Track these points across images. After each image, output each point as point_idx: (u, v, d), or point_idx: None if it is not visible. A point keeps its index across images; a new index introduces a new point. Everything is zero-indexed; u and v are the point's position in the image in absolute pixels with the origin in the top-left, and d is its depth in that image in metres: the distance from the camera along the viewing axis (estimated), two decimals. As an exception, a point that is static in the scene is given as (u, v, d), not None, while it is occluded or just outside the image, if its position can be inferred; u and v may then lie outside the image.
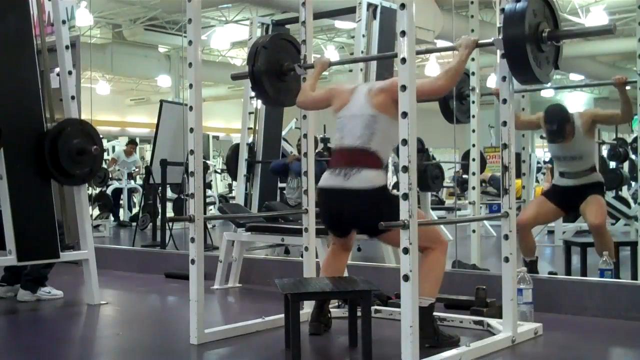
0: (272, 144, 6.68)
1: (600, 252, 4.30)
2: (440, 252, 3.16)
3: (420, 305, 3.03)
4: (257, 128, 6.62)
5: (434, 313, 3.15)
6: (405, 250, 2.52)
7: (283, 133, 7.38)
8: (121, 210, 11.28)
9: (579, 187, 4.42)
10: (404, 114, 2.55)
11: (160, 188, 7.26)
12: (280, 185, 7.08)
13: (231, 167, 6.90)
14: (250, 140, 6.53)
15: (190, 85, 3.17)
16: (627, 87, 4.52)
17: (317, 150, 5.54)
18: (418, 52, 3.05)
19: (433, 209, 8.58)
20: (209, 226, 7.46)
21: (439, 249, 3.17)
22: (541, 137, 7.60)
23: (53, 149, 4.03)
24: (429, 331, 3.06)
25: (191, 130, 3.17)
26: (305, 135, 3.66)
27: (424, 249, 3.15)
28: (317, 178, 4.36)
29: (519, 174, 4.88)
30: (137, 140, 14.34)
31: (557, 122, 4.35)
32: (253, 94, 5.59)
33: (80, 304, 4.33)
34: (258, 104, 6.46)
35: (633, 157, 8.97)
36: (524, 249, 4.48)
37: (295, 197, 6.06)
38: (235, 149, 6.76)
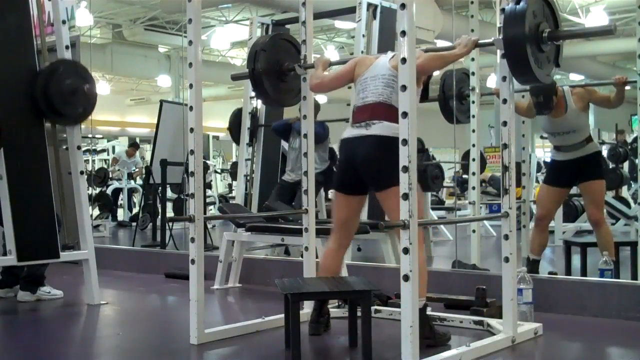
0: (272, 144, 6.67)
1: (601, 247, 4.33)
2: (420, 248, 3.08)
3: None
4: (258, 114, 6.57)
5: (433, 313, 3.16)
6: (405, 250, 2.52)
7: (283, 133, 7.36)
8: (120, 210, 11.28)
9: (577, 160, 4.45)
10: (404, 114, 2.55)
11: (160, 188, 7.26)
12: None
13: (234, 132, 6.83)
14: (253, 105, 6.47)
15: (190, 85, 3.17)
16: (627, 87, 4.52)
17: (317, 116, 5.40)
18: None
19: (433, 209, 8.59)
20: (209, 226, 7.46)
21: (419, 243, 3.11)
22: (541, 137, 7.60)
23: (45, 90, 4.00)
24: (426, 330, 3.08)
25: (191, 130, 3.17)
26: (305, 135, 3.66)
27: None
28: (318, 137, 4.45)
29: (519, 183, 4.88)
30: (138, 139, 14.31)
31: (543, 94, 4.34)
32: (253, 94, 5.60)
33: (80, 304, 4.33)
34: (258, 103, 6.45)
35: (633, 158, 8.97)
36: (536, 245, 4.52)
37: (296, 168, 5.89)
38: (238, 114, 6.68)
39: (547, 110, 4.39)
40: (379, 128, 3.12)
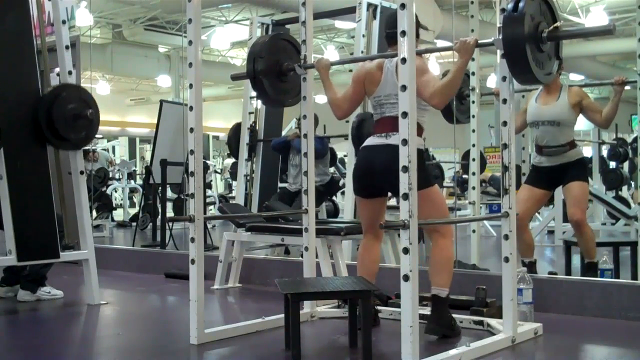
0: (270, 159, 6.68)
1: (581, 248, 4.31)
2: (449, 240, 3.30)
3: (439, 295, 3.14)
4: (257, 128, 6.61)
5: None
6: (405, 250, 2.52)
7: (283, 133, 7.38)
8: (119, 210, 11.29)
9: (561, 167, 4.35)
10: (404, 114, 2.56)
11: (160, 188, 7.26)
12: (280, 185, 7.07)
13: (232, 146, 6.84)
14: (251, 121, 6.49)
15: (190, 85, 3.17)
16: (627, 87, 4.50)
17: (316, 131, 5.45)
18: (418, 52, 3.07)
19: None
20: (209, 226, 7.46)
21: (449, 236, 3.30)
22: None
23: (48, 115, 4.00)
24: (447, 321, 3.20)
25: (191, 130, 3.17)
26: (305, 135, 3.66)
27: (433, 231, 3.22)
28: (317, 153, 4.53)
29: (519, 184, 4.82)
30: (138, 139, 14.28)
31: None
32: (253, 94, 5.60)
33: (80, 304, 4.33)
34: (258, 104, 6.46)
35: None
36: (523, 248, 4.40)
37: (297, 182, 5.94)
38: (236, 128, 6.69)
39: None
40: (398, 139, 3.14)
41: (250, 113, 6.51)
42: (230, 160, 14.75)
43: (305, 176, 3.66)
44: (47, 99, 4.04)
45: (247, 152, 6.46)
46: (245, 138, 6.47)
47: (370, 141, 3.37)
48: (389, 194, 3.47)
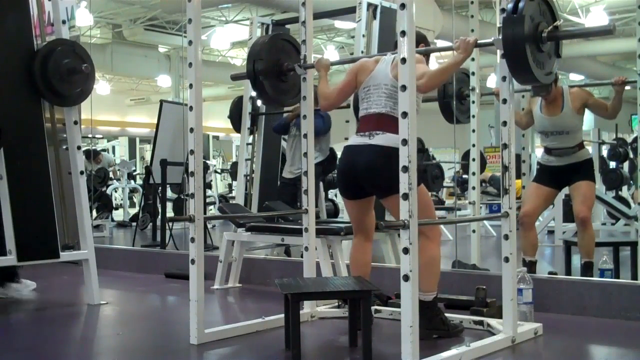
0: (272, 144, 6.68)
1: (582, 247, 4.32)
2: (436, 244, 3.27)
3: (424, 300, 3.11)
4: (257, 128, 6.61)
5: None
6: (405, 250, 2.52)
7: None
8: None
9: (569, 166, 4.41)
10: (404, 114, 2.55)
11: (160, 188, 7.26)
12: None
13: (234, 120, 6.80)
14: (252, 93, 6.46)
15: (190, 85, 3.17)
16: (627, 87, 4.51)
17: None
18: (418, 52, 3.07)
19: (433, 209, 8.56)
20: (209, 226, 7.45)
21: (435, 240, 3.27)
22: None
23: (43, 69, 3.97)
24: (437, 322, 3.20)
25: (191, 130, 3.17)
26: (305, 135, 3.66)
27: (420, 234, 3.20)
28: (318, 131, 4.64)
29: (519, 175, 4.85)
30: (138, 139, 14.23)
31: None
32: (253, 93, 5.60)
33: (80, 304, 4.33)
34: (258, 103, 6.45)
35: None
36: (527, 246, 4.44)
37: (295, 162, 5.88)
38: (238, 102, 6.67)
39: (544, 92, 4.31)
40: (382, 139, 3.18)
41: (250, 113, 6.47)
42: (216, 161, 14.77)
43: (306, 176, 3.65)
44: (41, 53, 4.00)
45: (249, 120, 6.41)
46: (244, 154, 6.48)
47: (353, 141, 3.35)
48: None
